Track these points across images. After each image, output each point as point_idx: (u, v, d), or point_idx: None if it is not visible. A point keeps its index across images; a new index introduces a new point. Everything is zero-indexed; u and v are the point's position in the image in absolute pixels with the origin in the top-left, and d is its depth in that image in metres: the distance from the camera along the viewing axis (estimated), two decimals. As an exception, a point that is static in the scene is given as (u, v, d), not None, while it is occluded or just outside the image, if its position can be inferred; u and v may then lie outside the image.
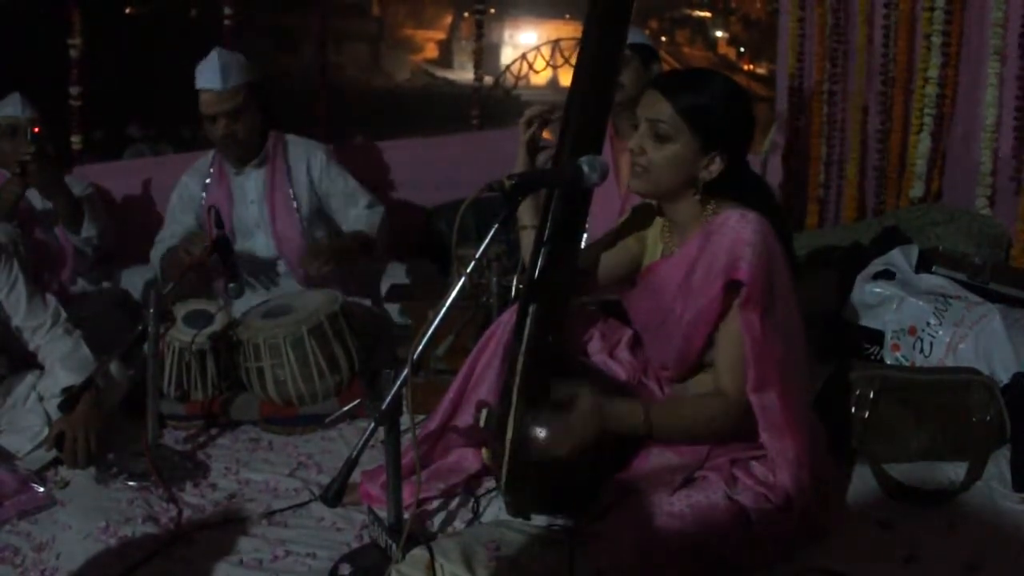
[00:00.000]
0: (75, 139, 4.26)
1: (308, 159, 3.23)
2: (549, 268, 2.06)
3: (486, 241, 1.83)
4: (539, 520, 2.03)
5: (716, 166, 1.93)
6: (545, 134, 2.32)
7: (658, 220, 2.12)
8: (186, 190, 3.27)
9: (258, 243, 3.21)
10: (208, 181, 3.23)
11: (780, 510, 1.90)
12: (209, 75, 3.02)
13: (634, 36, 2.92)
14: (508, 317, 2.19)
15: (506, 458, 1.94)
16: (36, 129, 3.14)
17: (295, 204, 3.18)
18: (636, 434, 1.94)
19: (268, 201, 3.17)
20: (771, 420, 1.92)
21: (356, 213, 3.26)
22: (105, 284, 3.44)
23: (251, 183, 3.20)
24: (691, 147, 1.92)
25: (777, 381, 1.88)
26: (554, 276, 2.07)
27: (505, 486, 1.98)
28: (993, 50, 3.14)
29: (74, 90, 4.19)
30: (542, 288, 2.06)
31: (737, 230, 1.89)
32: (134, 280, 3.41)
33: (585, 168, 1.92)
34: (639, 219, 2.17)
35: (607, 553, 1.78)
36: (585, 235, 2.58)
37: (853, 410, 2.33)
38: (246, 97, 3.07)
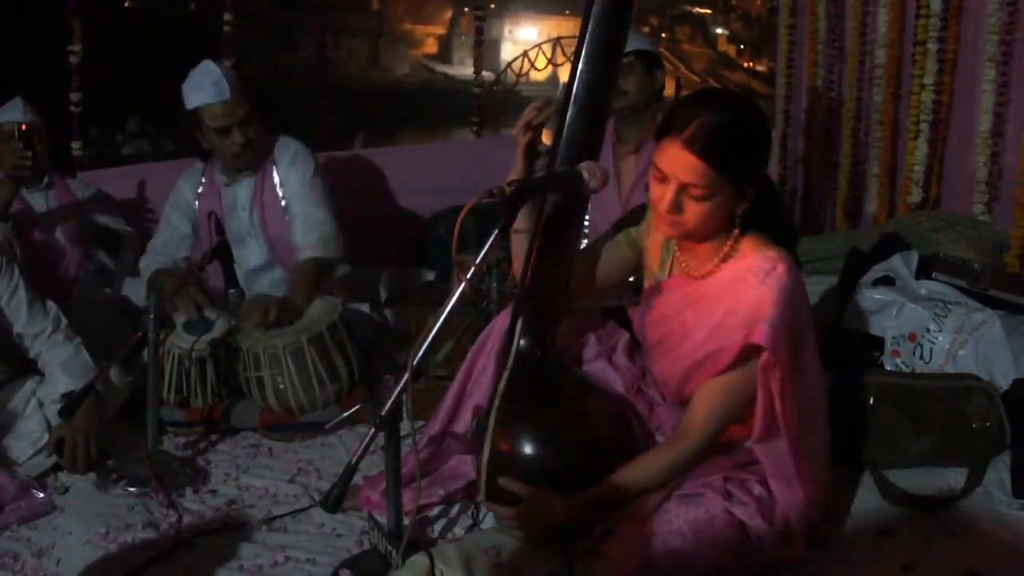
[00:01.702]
0: (75, 145, 4.26)
1: (296, 162, 3.14)
2: (542, 275, 2.06)
3: (486, 247, 1.81)
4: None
5: (750, 198, 1.87)
6: (544, 138, 2.30)
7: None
8: (181, 196, 3.24)
9: (250, 250, 3.19)
10: (200, 190, 3.21)
11: (779, 533, 1.89)
12: (213, 88, 2.95)
13: (637, 42, 2.91)
14: (502, 321, 2.17)
15: (483, 470, 1.95)
16: (24, 127, 3.11)
17: (284, 204, 3.14)
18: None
19: (258, 206, 3.14)
20: (778, 468, 1.90)
21: (307, 239, 3.10)
22: (106, 290, 3.43)
23: (242, 191, 3.16)
24: (729, 195, 1.84)
25: (786, 432, 1.86)
26: (547, 283, 2.06)
27: (487, 498, 1.98)
28: (988, 56, 3.14)
29: (74, 96, 4.18)
30: (534, 296, 2.05)
31: (761, 289, 1.82)
32: (134, 286, 3.40)
33: (585, 174, 1.91)
34: (634, 223, 2.13)
35: (607, 574, 1.75)
36: (585, 241, 2.58)
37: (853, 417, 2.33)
38: (249, 102, 3.03)
